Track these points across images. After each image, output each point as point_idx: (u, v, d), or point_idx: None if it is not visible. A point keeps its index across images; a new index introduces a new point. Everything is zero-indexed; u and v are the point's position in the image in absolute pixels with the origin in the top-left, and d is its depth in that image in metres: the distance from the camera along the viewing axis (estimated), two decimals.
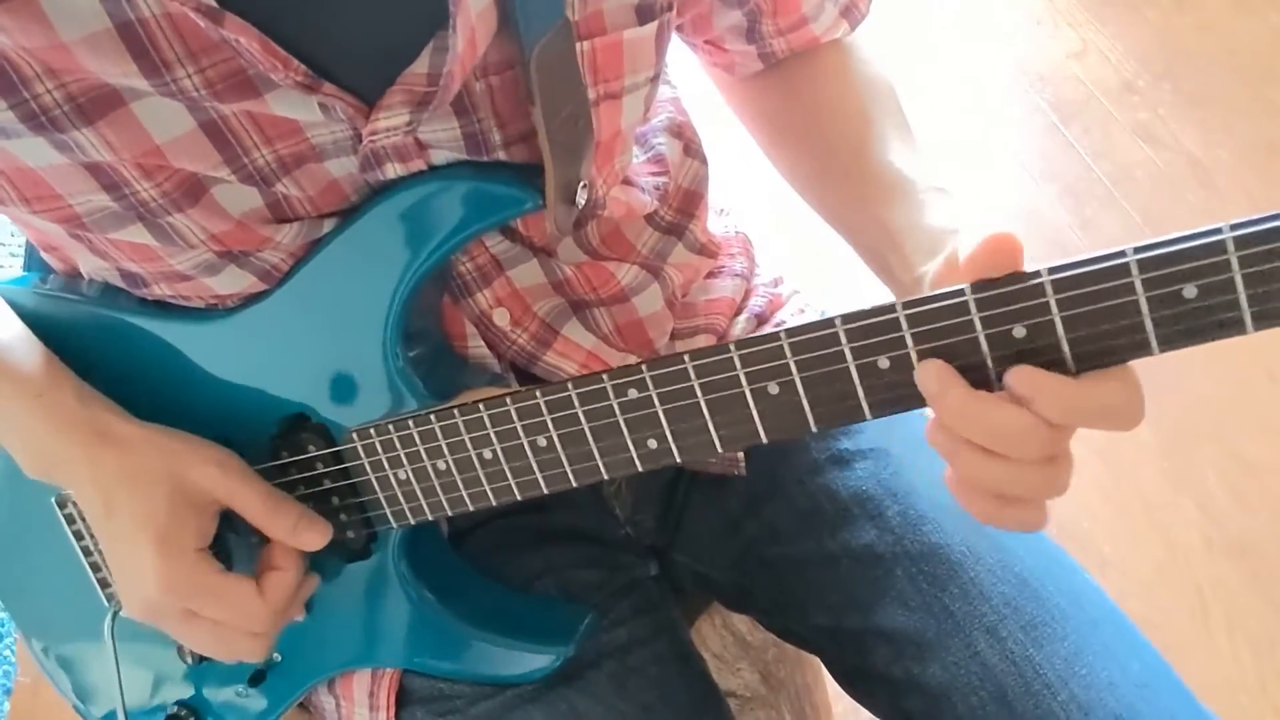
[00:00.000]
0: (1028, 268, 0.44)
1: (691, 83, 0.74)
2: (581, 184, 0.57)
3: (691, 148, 0.71)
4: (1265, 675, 1.30)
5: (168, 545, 0.56)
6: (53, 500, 0.65)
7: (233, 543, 0.64)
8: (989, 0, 2.27)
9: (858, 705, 0.71)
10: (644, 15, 0.56)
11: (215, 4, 0.46)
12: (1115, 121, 1.94)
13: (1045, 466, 0.46)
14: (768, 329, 0.75)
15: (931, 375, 0.46)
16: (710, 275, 0.75)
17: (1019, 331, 0.45)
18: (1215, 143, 1.86)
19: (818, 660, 0.78)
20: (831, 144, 0.69)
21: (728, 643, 0.87)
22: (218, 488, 0.58)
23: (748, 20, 0.68)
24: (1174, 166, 1.84)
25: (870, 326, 0.47)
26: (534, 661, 0.65)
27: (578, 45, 0.54)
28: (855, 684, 0.70)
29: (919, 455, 0.72)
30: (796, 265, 0.81)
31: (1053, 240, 1.81)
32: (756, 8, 0.67)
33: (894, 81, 0.72)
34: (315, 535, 0.60)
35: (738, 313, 0.75)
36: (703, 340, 0.72)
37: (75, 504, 0.64)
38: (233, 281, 0.57)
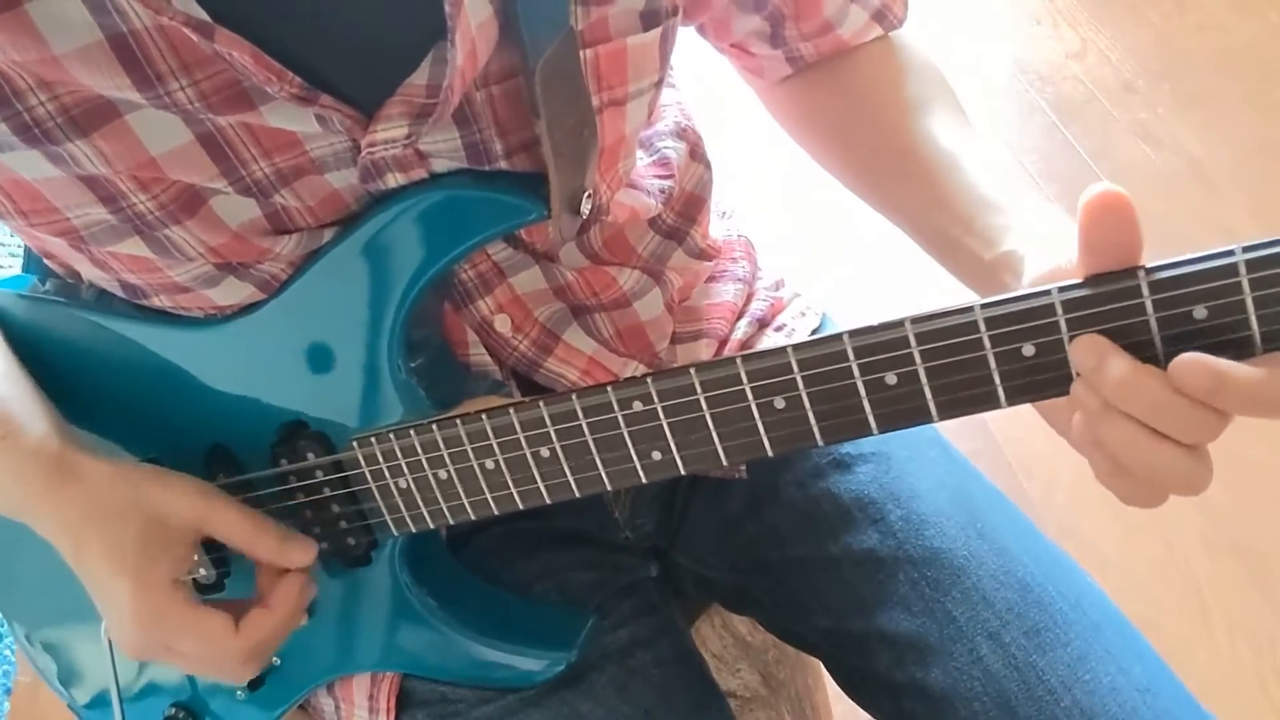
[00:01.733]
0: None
1: (694, 85, 0.74)
2: (586, 193, 0.56)
3: (697, 152, 0.70)
4: (1265, 675, 1.29)
5: (141, 580, 0.56)
6: None
7: (232, 558, 0.64)
8: (988, 0, 2.26)
9: (858, 707, 0.71)
10: (649, 21, 0.55)
11: (207, 17, 0.45)
12: (1115, 121, 1.94)
13: (1196, 453, 0.44)
14: (769, 333, 0.75)
15: (1087, 349, 0.43)
16: (711, 279, 0.74)
17: (1028, 350, 0.44)
18: (1215, 143, 1.85)
19: (818, 662, 0.78)
20: (882, 128, 0.67)
21: (728, 643, 0.86)
22: (197, 515, 0.57)
23: (770, 25, 0.67)
24: (1174, 166, 1.84)
25: (878, 344, 0.46)
26: (536, 667, 0.65)
27: (581, 54, 0.53)
28: (856, 687, 0.70)
29: (921, 459, 0.72)
30: (800, 266, 0.80)
31: None
32: (777, 12, 0.66)
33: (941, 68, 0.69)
34: (301, 552, 0.60)
35: (739, 317, 0.74)
36: (704, 345, 0.72)
37: None
38: (232, 293, 0.57)
